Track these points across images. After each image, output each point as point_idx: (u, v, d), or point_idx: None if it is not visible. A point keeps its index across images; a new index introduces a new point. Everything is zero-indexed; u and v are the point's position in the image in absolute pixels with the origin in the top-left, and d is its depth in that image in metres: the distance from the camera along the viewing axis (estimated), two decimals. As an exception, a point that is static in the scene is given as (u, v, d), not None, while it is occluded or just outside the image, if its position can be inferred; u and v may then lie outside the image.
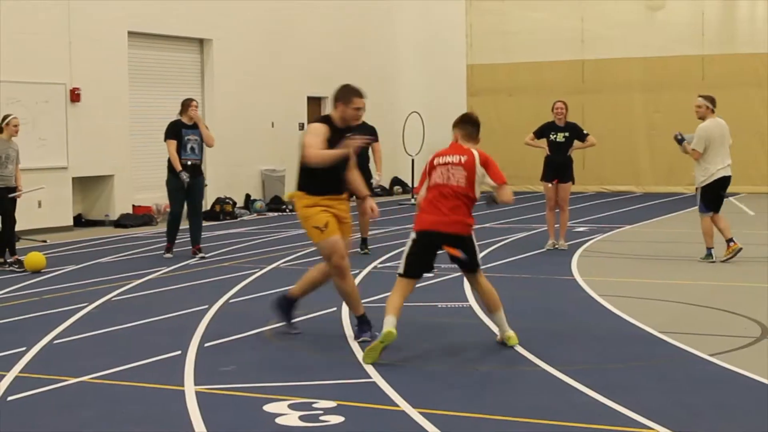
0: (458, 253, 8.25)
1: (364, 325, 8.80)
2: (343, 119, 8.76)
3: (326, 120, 8.80)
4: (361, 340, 8.65)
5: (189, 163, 14.61)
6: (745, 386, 7.12)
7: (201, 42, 22.73)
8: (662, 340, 8.62)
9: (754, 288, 11.42)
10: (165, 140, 14.67)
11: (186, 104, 14.85)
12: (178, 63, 22.31)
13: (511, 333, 8.46)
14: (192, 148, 14.71)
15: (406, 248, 8.36)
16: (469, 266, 8.44)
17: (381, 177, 15.53)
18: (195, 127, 14.78)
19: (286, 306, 9.14)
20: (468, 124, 8.65)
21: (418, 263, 8.32)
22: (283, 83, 24.64)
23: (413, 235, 8.34)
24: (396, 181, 28.87)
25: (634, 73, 27.61)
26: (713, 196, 13.37)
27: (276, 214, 22.84)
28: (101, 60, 19.92)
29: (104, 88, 19.93)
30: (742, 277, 12.11)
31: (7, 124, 13.93)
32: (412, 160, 26.68)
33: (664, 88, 27.24)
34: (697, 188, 13.50)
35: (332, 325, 9.42)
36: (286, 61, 24.76)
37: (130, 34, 20.72)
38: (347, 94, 8.74)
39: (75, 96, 19.36)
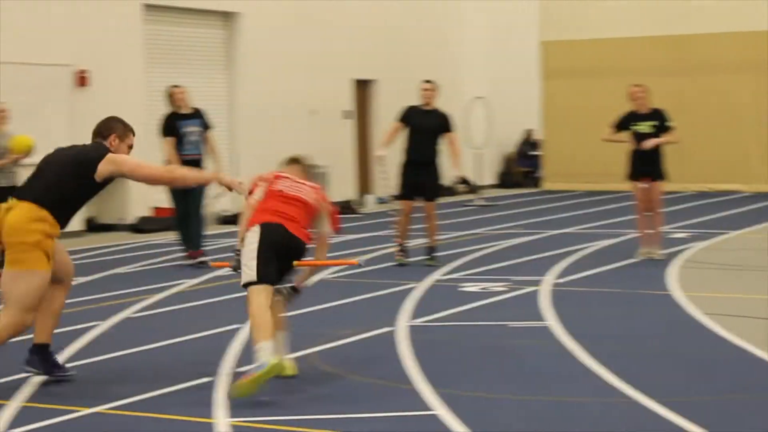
0: None
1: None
2: None
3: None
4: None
5: (190, 159, 14.38)
6: None
7: (227, 15, 22.85)
8: (778, 367, 8.61)
9: None
10: (163, 137, 14.83)
11: (170, 94, 15.07)
12: (201, 40, 22.41)
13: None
14: (194, 142, 14.81)
15: None
16: None
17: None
18: (192, 116, 14.92)
19: None
20: None
21: None
22: (324, 64, 24.64)
23: None
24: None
25: (744, 50, 27.18)
26: None
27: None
28: (112, 38, 20.07)
29: (116, 70, 20.09)
30: None
31: None
32: (477, 154, 26.69)
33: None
34: None
35: (386, 348, 9.48)
36: (330, 38, 24.74)
37: (146, 7, 20.89)
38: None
39: (82, 80, 19.55)
